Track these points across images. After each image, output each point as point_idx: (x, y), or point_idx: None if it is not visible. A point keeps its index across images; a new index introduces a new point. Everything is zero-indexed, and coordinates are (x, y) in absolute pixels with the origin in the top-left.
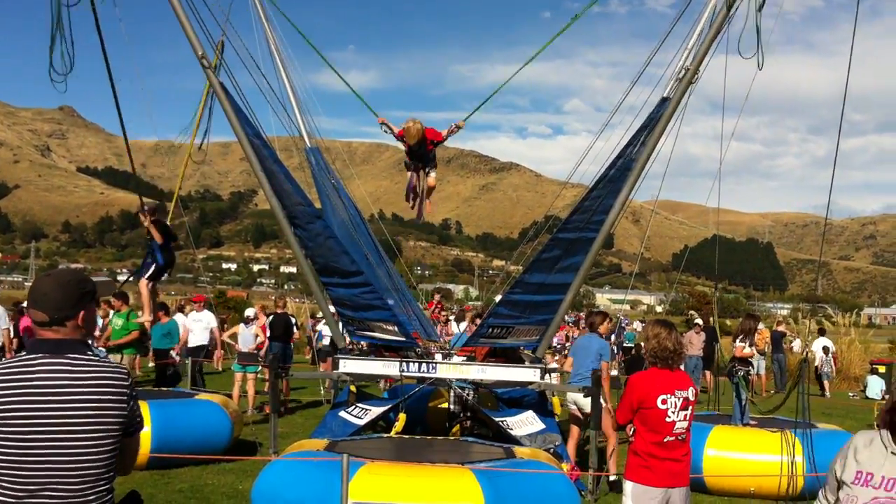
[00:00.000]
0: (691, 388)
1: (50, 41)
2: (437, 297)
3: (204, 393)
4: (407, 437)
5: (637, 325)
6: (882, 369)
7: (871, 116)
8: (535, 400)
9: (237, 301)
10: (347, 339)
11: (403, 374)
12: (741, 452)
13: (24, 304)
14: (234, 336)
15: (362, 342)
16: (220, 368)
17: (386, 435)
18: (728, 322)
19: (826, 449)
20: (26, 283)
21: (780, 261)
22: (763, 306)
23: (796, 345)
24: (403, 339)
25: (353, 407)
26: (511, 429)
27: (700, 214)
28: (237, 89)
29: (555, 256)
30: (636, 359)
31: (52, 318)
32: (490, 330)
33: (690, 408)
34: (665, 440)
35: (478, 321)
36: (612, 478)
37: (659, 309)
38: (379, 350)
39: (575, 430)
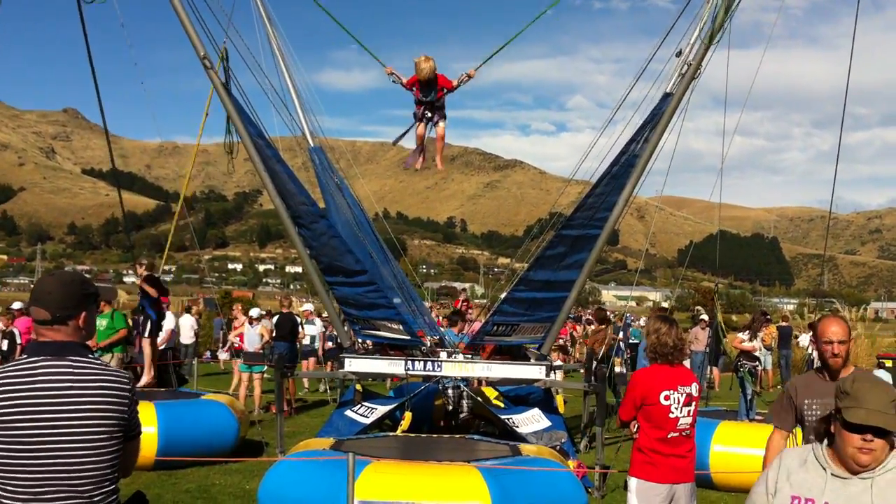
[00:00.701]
0: (694, 384)
1: None
2: (463, 295)
3: (212, 393)
4: (413, 435)
5: (643, 322)
6: (889, 363)
7: (875, 110)
8: (541, 397)
9: (243, 301)
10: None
11: (409, 372)
12: (748, 448)
13: (16, 305)
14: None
15: (367, 341)
16: (223, 367)
17: (392, 433)
18: (734, 318)
19: None
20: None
21: (785, 255)
22: (769, 301)
23: (803, 339)
24: (408, 337)
25: (359, 406)
26: (517, 426)
27: (705, 210)
28: (240, 90)
29: (559, 253)
30: None
31: (54, 316)
32: (495, 327)
33: (694, 403)
34: (669, 436)
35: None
36: None
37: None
38: (384, 349)
39: None
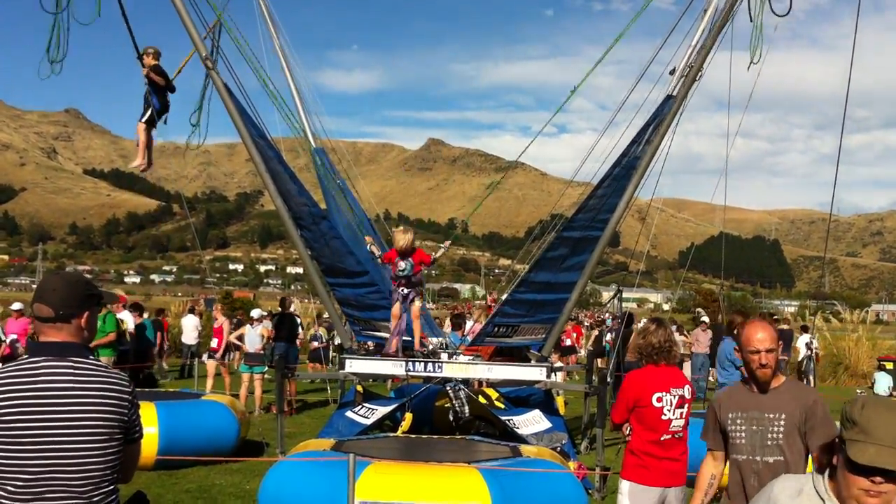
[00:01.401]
0: (687, 386)
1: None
2: (493, 294)
3: (213, 394)
4: (413, 436)
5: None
6: (890, 366)
7: (876, 112)
8: (542, 399)
9: (244, 302)
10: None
11: (409, 373)
12: None
13: (15, 306)
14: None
15: (368, 342)
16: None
17: (392, 434)
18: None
19: None
20: (33, 286)
21: (786, 258)
22: (770, 304)
23: (798, 342)
24: (409, 338)
25: (360, 406)
26: (517, 427)
27: (706, 212)
28: (241, 90)
29: (560, 255)
30: None
31: (57, 313)
32: (496, 329)
33: (686, 405)
34: (662, 438)
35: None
36: None
37: (666, 307)
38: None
39: None
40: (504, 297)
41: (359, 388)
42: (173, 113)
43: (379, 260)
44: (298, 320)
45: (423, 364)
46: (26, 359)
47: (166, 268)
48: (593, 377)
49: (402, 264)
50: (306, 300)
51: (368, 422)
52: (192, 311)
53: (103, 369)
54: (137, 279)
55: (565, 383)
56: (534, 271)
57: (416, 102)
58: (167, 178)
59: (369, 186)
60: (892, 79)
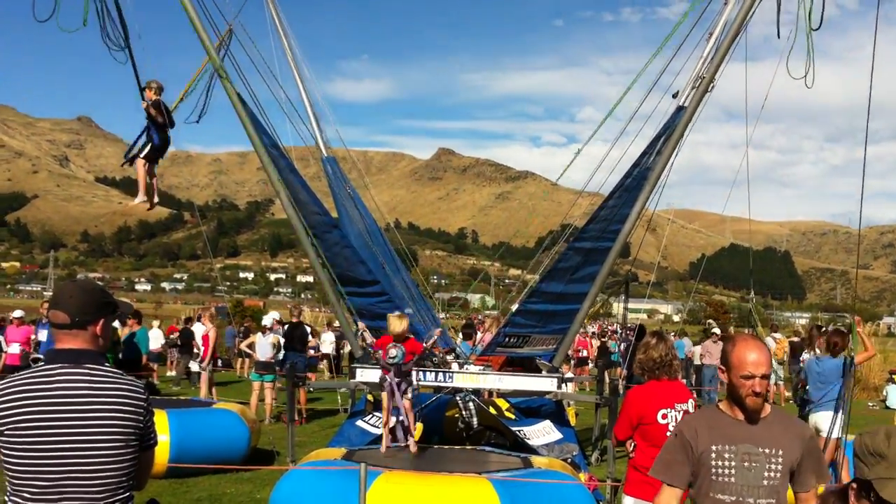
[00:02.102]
0: (690, 401)
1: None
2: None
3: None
4: (424, 446)
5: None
6: None
7: (887, 124)
8: (553, 409)
9: (254, 310)
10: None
11: (420, 382)
12: None
13: (17, 314)
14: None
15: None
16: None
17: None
18: (746, 332)
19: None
20: (45, 293)
21: (797, 269)
22: (781, 315)
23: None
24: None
25: (370, 416)
26: (528, 438)
27: (716, 223)
28: (254, 99)
29: (571, 266)
30: None
31: (73, 320)
32: (507, 339)
33: None
34: None
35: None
36: None
37: (676, 318)
38: None
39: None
40: (514, 307)
41: (369, 397)
42: (184, 121)
43: (370, 347)
44: (309, 329)
45: (433, 374)
46: (42, 366)
47: (177, 276)
48: (604, 388)
49: (392, 352)
50: (316, 309)
51: (379, 431)
52: (199, 319)
53: (119, 376)
54: (148, 287)
55: (576, 394)
56: (545, 282)
57: (426, 112)
58: (178, 187)
59: (380, 196)
60: None
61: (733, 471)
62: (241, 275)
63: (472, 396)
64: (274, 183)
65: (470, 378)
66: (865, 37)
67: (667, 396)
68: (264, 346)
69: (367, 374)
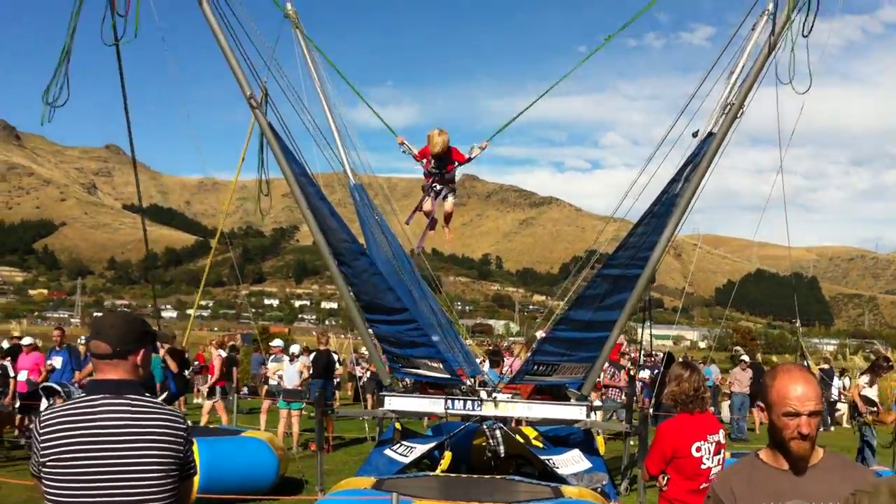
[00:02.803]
0: (721, 431)
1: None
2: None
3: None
4: (454, 475)
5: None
6: None
7: None
8: (581, 438)
9: (280, 337)
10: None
11: (448, 411)
12: None
13: (26, 341)
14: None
15: (406, 379)
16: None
17: (433, 473)
18: (774, 358)
19: None
20: (73, 320)
21: (825, 295)
22: (808, 342)
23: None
24: (448, 376)
25: (398, 444)
26: (557, 467)
27: (742, 248)
28: (285, 128)
29: (600, 293)
30: None
31: (114, 350)
32: (536, 367)
33: (723, 451)
34: (701, 486)
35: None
36: None
37: (702, 345)
38: (423, 387)
39: None
40: (539, 334)
41: (397, 425)
42: (212, 148)
43: (412, 156)
44: (336, 356)
45: (462, 402)
46: (83, 397)
47: (202, 302)
48: (633, 417)
49: (436, 163)
50: (342, 335)
51: (407, 460)
52: (221, 346)
53: (159, 407)
54: (174, 314)
55: (605, 423)
56: (573, 309)
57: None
58: (204, 214)
59: (405, 221)
60: None
61: None
62: (266, 301)
63: (500, 424)
64: (303, 211)
65: (499, 406)
66: (890, 59)
67: (699, 429)
68: (292, 373)
69: (396, 403)
